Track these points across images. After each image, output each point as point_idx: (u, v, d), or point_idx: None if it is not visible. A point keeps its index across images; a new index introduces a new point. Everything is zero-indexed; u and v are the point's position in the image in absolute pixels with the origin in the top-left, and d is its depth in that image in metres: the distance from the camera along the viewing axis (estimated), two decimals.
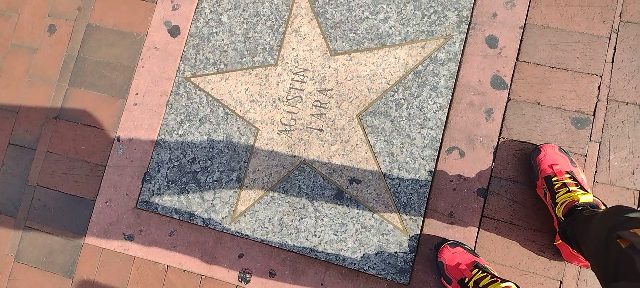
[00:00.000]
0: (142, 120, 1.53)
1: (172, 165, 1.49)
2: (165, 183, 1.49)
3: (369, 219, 1.37)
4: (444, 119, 1.37)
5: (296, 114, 1.45)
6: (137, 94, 1.55)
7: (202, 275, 1.43)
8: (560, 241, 1.19)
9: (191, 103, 1.51)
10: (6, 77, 1.68)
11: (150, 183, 1.50)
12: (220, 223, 1.44)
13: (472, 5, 1.41)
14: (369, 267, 1.35)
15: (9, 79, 1.68)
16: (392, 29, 1.44)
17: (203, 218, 1.46)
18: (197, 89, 1.51)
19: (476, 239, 1.28)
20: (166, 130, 1.51)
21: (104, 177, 1.54)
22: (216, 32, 1.53)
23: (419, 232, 1.34)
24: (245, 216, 1.43)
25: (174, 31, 1.56)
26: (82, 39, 1.63)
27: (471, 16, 1.40)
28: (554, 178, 1.17)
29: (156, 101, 1.54)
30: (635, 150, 1.23)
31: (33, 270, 1.54)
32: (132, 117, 1.54)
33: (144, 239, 1.49)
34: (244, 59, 1.50)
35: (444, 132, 1.37)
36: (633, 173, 1.22)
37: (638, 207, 1.20)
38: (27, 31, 1.69)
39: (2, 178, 1.62)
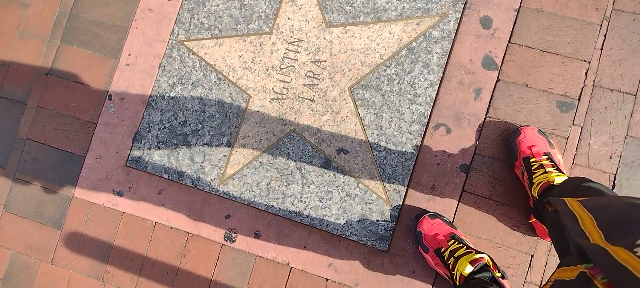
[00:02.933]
0: (134, 81, 1.63)
1: (163, 126, 1.60)
2: (155, 144, 1.60)
3: (354, 188, 1.48)
4: (434, 96, 1.47)
5: (289, 83, 1.55)
6: (129, 54, 1.64)
7: (189, 233, 1.55)
8: (534, 219, 1.31)
9: (184, 66, 1.60)
10: None
11: (141, 142, 1.61)
12: (208, 185, 1.56)
13: None
14: (350, 233, 1.47)
15: (0, 33, 1.76)
16: (389, 4, 1.52)
17: (192, 179, 1.57)
18: (191, 53, 1.60)
19: (455, 212, 1.40)
20: (158, 92, 1.61)
21: (94, 134, 1.64)
22: None
23: (401, 203, 1.45)
24: (233, 179, 1.54)
25: None
26: None
27: None
28: (532, 160, 1.28)
29: (149, 63, 1.63)
30: (615, 136, 1.34)
31: (22, 220, 1.65)
32: (124, 77, 1.64)
33: (133, 196, 1.60)
34: (239, 26, 1.59)
35: (432, 108, 1.47)
36: (611, 158, 1.34)
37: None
38: None
39: None
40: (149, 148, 1.59)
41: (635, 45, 1.36)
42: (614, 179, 1.33)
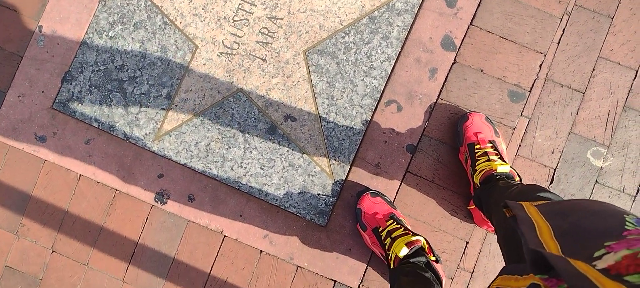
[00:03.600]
0: (70, 13, 1.49)
1: (97, 68, 1.48)
2: (87, 87, 1.48)
3: (298, 159, 1.44)
4: (389, 71, 1.44)
5: (240, 38, 1.47)
6: None
7: (116, 190, 1.46)
8: (474, 206, 1.32)
9: (127, 4, 1.48)
10: None
11: (71, 84, 1.48)
12: (142, 140, 1.47)
13: None
14: (290, 204, 1.44)
15: None
16: None
17: (124, 132, 1.47)
18: None
19: (397, 192, 1.39)
20: (95, 29, 1.48)
21: (19, 68, 1.50)
22: None
23: (344, 178, 1.43)
24: (170, 136, 1.46)
25: None
26: None
27: None
28: (476, 146, 1.28)
29: None
30: (559, 131, 1.37)
31: None
32: (59, 7, 1.50)
33: (57, 143, 1.49)
34: None
35: (386, 83, 1.44)
36: (552, 152, 1.36)
37: (549, 186, 1.35)
38: None
39: None
40: (80, 92, 1.48)
41: (590, 43, 1.38)
42: (553, 174, 1.35)
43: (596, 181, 1.34)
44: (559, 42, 1.39)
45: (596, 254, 0.56)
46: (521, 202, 0.78)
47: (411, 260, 1.22)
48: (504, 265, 0.86)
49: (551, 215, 0.71)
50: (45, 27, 1.49)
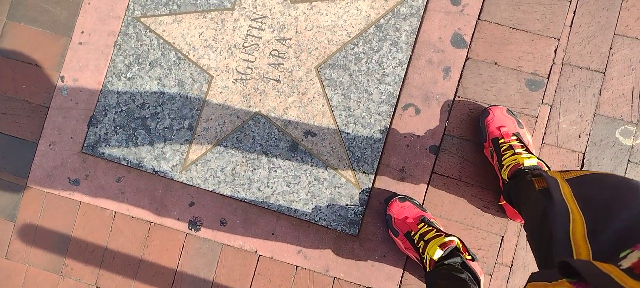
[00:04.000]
0: (88, 61, 1.47)
1: (119, 109, 1.45)
2: (112, 128, 1.45)
3: (322, 172, 1.38)
4: (403, 75, 1.38)
5: (253, 62, 1.42)
6: (82, 32, 1.48)
7: (151, 222, 1.43)
8: (505, 202, 1.24)
9: (141, 45, 1.45)
10: None
11: (97, 127, 1.46)
12: (170, 172, 1.43)
13: None
14: (320, 218, 1.38)
15: None
16: None
17: (152, 166, 1.44)
18: (148, 30, 1.45)
19: (425, 194, 1.32)
20: (114, 73, 1.46)
21: (46, 118, 1.49)
22: None
23: (370, 186, 1.37)
24: (196, 165, 1.42)
25: None
26: None
27: None
28: (500, 141, 1.21)
29: (103, 41, 1.47)
30: (583, 114, 1.28)
31: None
32: (77, 56, 1.48)
33: (90, 184, 1.46)
34: (199, 1, 1.44)
35: (401, 88, 1.38)
36: (580, 136, 1.28)
37: (581, 169, 1.26)
38: None
39: None
40: (106, 133, 1.45)
41: (604, 22, 1.29)
42: (583, 158, 1.27)
43: (629, 160, 1.25)
44: (571, 25, 1.30)
45: (622, 254, 0.55)
46: (555, 176, 0.73)
47: (446, 262, 1.15)
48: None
49: (585, 201, 0.67)
50: (67, 77, 1.48)
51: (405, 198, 1.31)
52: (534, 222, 0.91)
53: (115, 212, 1.44)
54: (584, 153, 1.28)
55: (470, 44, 1.35)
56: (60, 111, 1.49)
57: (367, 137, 1.38)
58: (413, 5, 1.39)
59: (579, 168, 1.27)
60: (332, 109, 1.39)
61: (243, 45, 1.42)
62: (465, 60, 1.35)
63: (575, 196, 0.69)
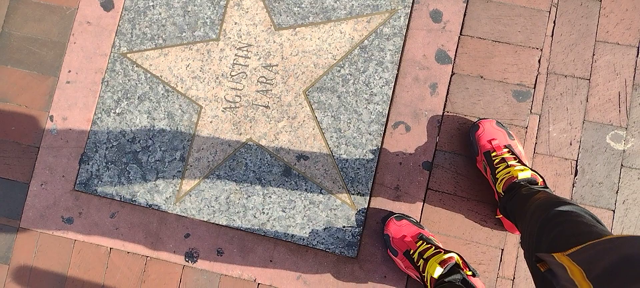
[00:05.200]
0: (77, 99, 1.26)
1: (110, 145, 1.24)
2: (104, 164, 1.24)
3: (317, 195, 1.19)
4: (390, 94, 1.20)
5: (241, 90, 1.23)
6: (69, 71, 1.28)
7: (147, 257, 1.22)
8: (501, 215, 1.06)
9: (129, 80, 1.25)
10: None
11: (88, 164, 1.25)
12: (164, 204, 1.22)
13: None
14: (317, 242, 1.18)
15: None
16: (338, 2, 1.24)
17: (146, 199, 1.23)
18: (135, 66, 1.25)
19: (421, 211, 1.14)
20: (103, 109, 1.25)
21: (37, 158, 1.28)
22: (153, 6, 1.27)
23: (366, 206, 1.17)
24: (190, 196, 1.21)
25: (107, 5, 1.29)
26: (5, 14, 1.32)
27: None
28: (493, 154, 1.06)
29: (91, 78, 1.26)
30: (572, 122, 1.11)
31: None
32: (66, 95, 1.27)
33: (84, 222, 1.25)
34: (184, 34, 1.25)
35: (390, 106, 1.20)
36: (570, 144, 1.11)
37: (574, 179, 1.08)
38: None
39: None
40: (98, 170, 1.24)
41: (584, 29, 1.14)
42: (576, 166, 1.10)
43: (622, 165, 1.09)
44: (552, 35, 1.15)
45: None
46: (554, 254, 0.65)
47: (447, 279, 0.98)
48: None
49: (584, 261, 0.60)
50: (56, 116, 1.27)
51: (402, 216, 1.12)
52: (530, 240, 0.80)
53: (110, 248, 1.23)
54: (577, 161, 1.11)
55: (454, 59, 1.18)
56: (51, 150, 1.27)
57: (359, 157, 1.19)
58: (395, 25, 1.21)
59: (573, 175, 1.09)
60: (323, 131, 1.20)
61: (230, 74, 1.23)
62: (451, 76, 1.18)
63: (573, 261, 0.60)
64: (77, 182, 1.29)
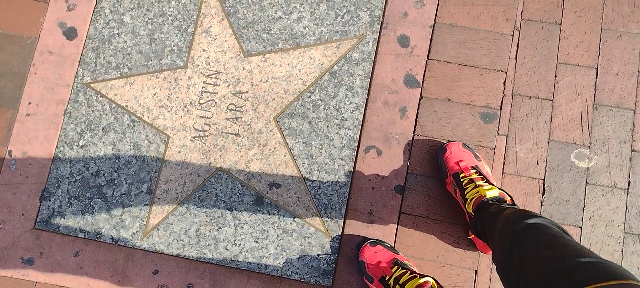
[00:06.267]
0: (37, 132, 1.23)
1: (73, 179, 1.21)
2: (66, 200, 1.21)
3: (291, 223, 1.18)
4: (361, 119, 1.22)
5: (210, 118, 1.22)
6: (30, 103, 1.25)
7: None
8: (473, 235, 1.08)
9: (92, 111, 1.23)
10: None
11: (50, 200, 1.21)
12: (131, 240, 1.19)
13: (383, 5, 1.27)
14: (292, 271, 1.17)
15: None
16: (306, 29, 1.26)
17: (111, 236, 1.19)
18: (99, 96, 1.24)
19: (395, 236, 1.15)
20: (65, 142, 1.22)
21: None
22: (118, 34, 1.26)
23: (340, 233, 1.17)
24: (158, 230, 1.19)
25: (70, 33, 1.27)
26: None
27: (383, 16, 1.26)
28: (461, 175, 1.08)
29: (52, 110, 1.24)
30: (538, 142, 1.16)
31: None
32: (25, 128, 1.24)
33: (46, 262, 1.20)
34: (150, 62, 1.25)
35: (361, 131, 1.21)
36: (537, 163, 1.15)
37: (542, 197, 1.12)
38: None
39: None
40: (60, 206, 1.20)
41: (546, 52, 1.20)
42: (544, 184, 1.13)
43: (586, 182, 1.13)
44: (516, 57, 1.20)
45: None
46: None
47: None
48: None
49: None
50: (15, 151, 1.23)
51: (376, 241, 1.12)
52: (501, 254, 0.81)
53: None
54: (544, 179, 1.14)
55: (422, 83, 1.21)
56: (10, 187, 1.23)
57: (332, 182, 1.19)
58: (364, 50, 1.24)
59: (541, 194, 1.13)
60: (295, 158, 1.21)
61: (199, 102, 1.23)
62: (420, 99, 1.21)
63: None
64: (38, 220, 1.24)
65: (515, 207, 1.01)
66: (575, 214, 1.12)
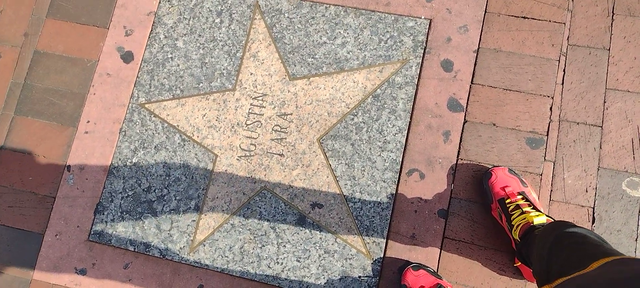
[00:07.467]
0: (94, 149, 1.33)
1: (126, 194, 1.30)
2: (119, 214, 1.29)
3: (332, 244, 1.22)
4: (404, 142, 1.25)
5: (256, 139, 1.29)
6: (88, 121, 1.36)
7: None
8: (520, 263, 1.08)
9: (146, 130, 1.32)
10: None
11: (103, 214, 1.30)
12: (178, 254, 1.26)
13: (427, 30, 1.31)
14: None
15: None
16: (350, 53, 1.31)
17: (160, 249, 1.27)
18: (152, 116, 1.33)
19: (438, 260, 1.16)
20: (119, 159, 1.32)
21: (53, 209, 1.33)
22: (171, 58, 1.36)
23: (382, 255, 1.20)
24: (204, 245, 1.25)
25: (127, 57, 1.38)
26: (29, 66, 1.42)
27: (426, 41, 1.30)
28: (507, 201, 1.08)
29: (108, 128, 1.34)
30: (587, 169, 1.15)
31: None
32: (83, 145, 1.34)
33: (97, 273, 1.28)
34: (201, 85, 1.33)
35: (403, 154, 1.25)
36: (586, 191, 1.14)
37: (591, 226, 1.12)
38: None
39: None
40: (112, 220, 1.29)
41: (594, 77, 1.20)
42: (593, 213, 1.13)
43: (639, 212, 1.11)
44: (562, 83, 1.21)
45: None
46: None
47: None
48: None
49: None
50: (73, 166, 1.33)
51: (419, 266, 1.14)
52: (541, 263, 0.81)
53: None
54: (593, 208, 1.14)
55: (466, 107, 1.24)
56: (67, 200, 1.33)
57: (374, 204, 1.23)
58: (407, 74, 1.29)
59: (590, 223, 1.12)
60: (337, 179, 1.25)
61: (246, 123, 1.30)
62: (464, 123, 1.23)
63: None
64: (92, 232, 1.34)
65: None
66: (627, 245, 1.10)
